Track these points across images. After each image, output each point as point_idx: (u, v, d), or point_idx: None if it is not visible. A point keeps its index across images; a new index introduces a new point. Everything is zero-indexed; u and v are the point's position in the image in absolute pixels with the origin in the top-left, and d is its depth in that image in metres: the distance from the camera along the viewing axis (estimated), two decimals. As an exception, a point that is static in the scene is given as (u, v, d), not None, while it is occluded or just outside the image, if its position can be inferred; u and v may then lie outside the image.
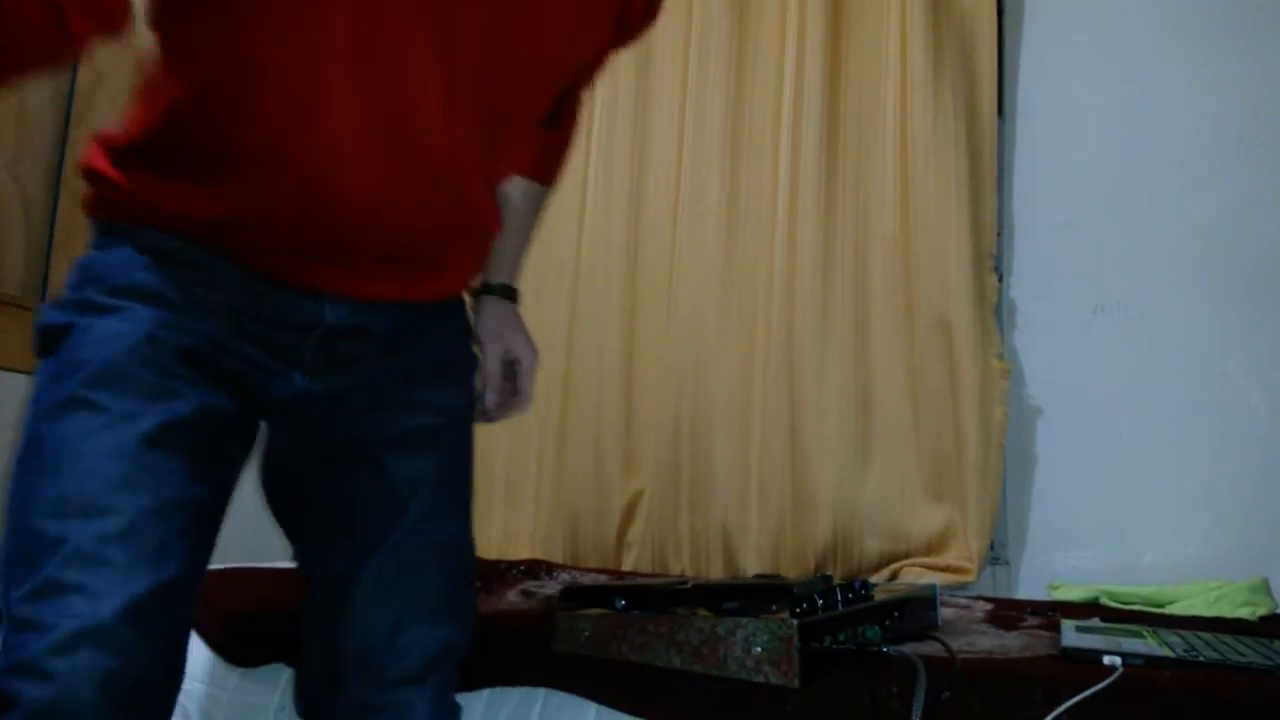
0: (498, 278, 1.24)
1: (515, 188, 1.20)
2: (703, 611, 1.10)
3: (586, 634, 1.17)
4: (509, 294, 1.24)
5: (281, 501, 1.05)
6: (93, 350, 0.83)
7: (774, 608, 1.08)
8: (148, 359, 0.84)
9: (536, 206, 1.26)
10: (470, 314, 1.18)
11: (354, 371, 0.98)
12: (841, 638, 1.06)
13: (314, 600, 1.01)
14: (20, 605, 0.76)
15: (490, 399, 1.20)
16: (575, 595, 1.31)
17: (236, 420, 0.92)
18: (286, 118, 0.83)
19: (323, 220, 0.88)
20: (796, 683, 0.99)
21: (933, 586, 1.34)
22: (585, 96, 1.22)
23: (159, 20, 0.85)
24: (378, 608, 0.95)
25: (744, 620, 1.04)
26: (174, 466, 0.83)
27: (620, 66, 2.33)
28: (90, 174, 0.89)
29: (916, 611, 1.24)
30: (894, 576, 1.91)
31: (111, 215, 0.89)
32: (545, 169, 1.23)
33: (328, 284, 0.94)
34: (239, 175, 0.86)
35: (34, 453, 0.81)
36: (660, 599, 1.17)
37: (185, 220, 0.87)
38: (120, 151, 0.88)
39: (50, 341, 0.85)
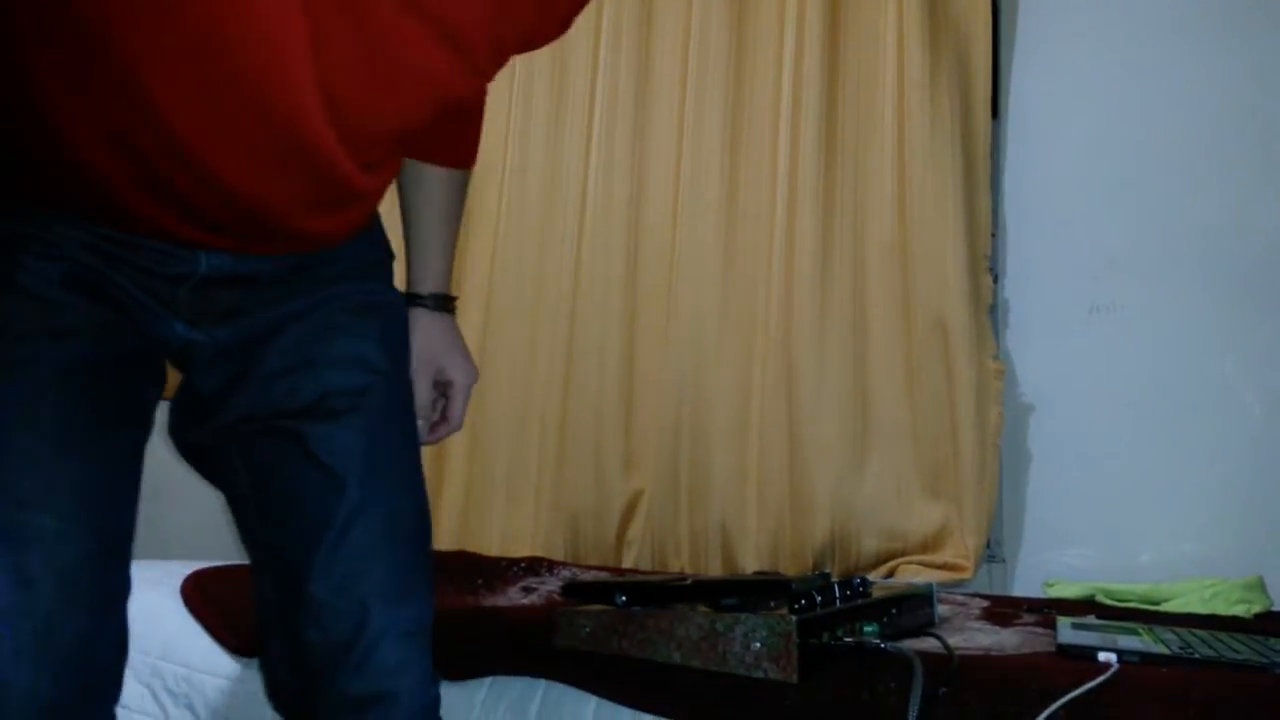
0: (427, 285, 1.10)
1: (430, 175, 1.09)
2: (702, 608, 1.11)
3: (587, 629, 1.17)
4: (441, 304, 1.11)
5: (208, 473, 0.98)
6: None
7: (773, 604, 1.09)
8: (28, 291, 0.77)
9: (454, 194, 1.12)
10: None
11: (241, 322, 0.90)
12: (840, 634, 1.07)
13: (263, 584, 0.94)
14: None
15: (419, 425, 1.08)
16: (576, 591, 1.31)
17: (138, 350, 0.85)
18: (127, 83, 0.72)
19: (195, 205, 0.81)
20: (795, 678, 1.00)
21: (930, 584, 1.35)
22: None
23: None
24: (338, 598, 0.89)
25: (743, 616, 1.04)
26: (85, 412, 0.77)
27: (620, 66, 2.34)
28: None
29: (914, 608, 1.25)
30: (891, 574, 1.92)
31: None
32: (452, 152, 1.11)
33: (204, 242, 0.85)
34: (74, 162, 0.76)
35: None
36: (661, 595, 1.18)
37: (18, 187, 0.79)
38: None
39: None
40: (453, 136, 1.10)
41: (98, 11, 0.70)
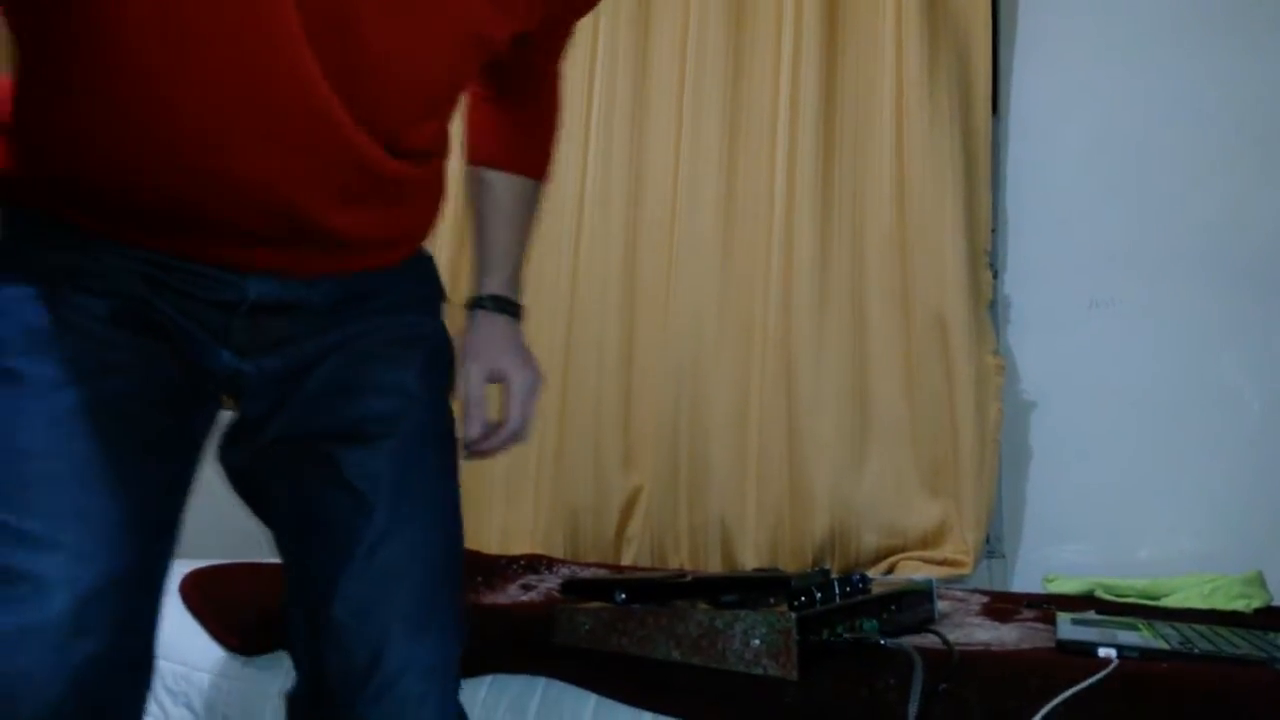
0: (488, 288, 1.09)
1: (497, 181, 1.09)
2: (702, 605, 1.11)
3: (587, 627, 1.17)
4: (502, 306, 1.09)
5: (248, 497, 0.98)
6: (8, 322, 0.77)
7: (772, 601, 1.09)
8: (71, 323, 0.78)
9: (524, 202, 1.12)
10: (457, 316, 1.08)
11: (289, 351, 0.90)
12: (839, 630, 1.07)
13: (294, 607, 0.94)
14: None
15: (472, 428, 1.04)
16: (576, 588, 1.31)
17: (185, 382, 0.85)
18: (150, 98, 0.73)
19: (216, 207, 0.80)
20: (795, 675, 1.00)
21: (929, 580, 1.35)
22: (556, 76, 1.10)
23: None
24: (359, 621, 0.88)
25: (743, 613, 1.04)
26: (124, 443, 0.77)
27: (618, 63, 2.34)
28: None
29: (913, 604, 1.25)
30: (891, 570, 1.92)
31: (7, 199, 0.83)
32: (520, 158, 1.10)
33: (248, 262, 0.85)
34: (124, 180, 0.78)
35: None
36: (660, 592, 1.18)
37: (74, 217, 0.81)
38: (8, 134, 0.80)
39: None
40: (520, 141, 1.10)
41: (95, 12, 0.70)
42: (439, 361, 1.01)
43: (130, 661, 0.78)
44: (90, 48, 0.72)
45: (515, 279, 1.12)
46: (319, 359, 0.92)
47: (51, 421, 0.75)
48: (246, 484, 0.97)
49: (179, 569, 1.61)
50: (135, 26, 0.71)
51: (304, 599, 0.92)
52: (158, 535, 0.81)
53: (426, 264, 1.04)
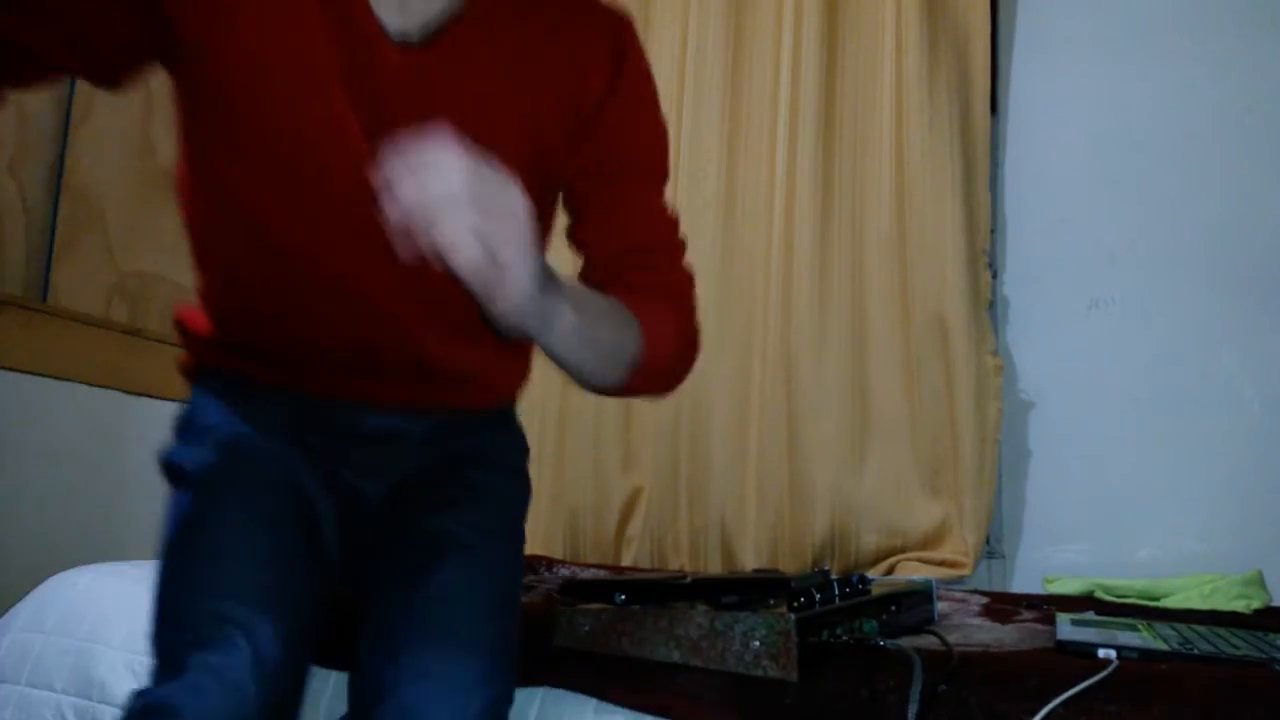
0: None
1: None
2: (702, 606, 1.11)
3: (586, 628, 1.17)
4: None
5: (354, 589, 1.09)
6: (200, 458, 0.99)
7: (772, 602, 1.09)
8: (244, 453, 1.00)
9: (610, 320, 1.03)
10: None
11: (392, 472, 1.08)
12: (839, 631, 1.06)
13: (363, 642, 1.00)
14: (164, 656, 0.86)
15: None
16: (575, 590, 1.31)
17: (324, 501, 1.03)
18: (322, 274, 0.96)
19: (352, 349, 1.02)
20: (795, 676, 1.00)
21: (929, 581, 1.35)
22: (671, 269, 1.10)
23: (188, 210, 0.99)
24: (414, 646, 0.96)
25: (742, 614, 1.04)
26: (284, 541, 0.96)
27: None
28: (180, 329, 1.09)
29: (913, 605, 1.25)
30: (891, 571, 1.92)
31: (194, 367, 1.08)
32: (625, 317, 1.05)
33: (369, 398, 1.06)
34: (280, 328, 1.02)
35: (170, 541, 0.96)
36: (659, 594, 1.18)
37: (247, 369, 1.05)
38: (196, 313, 1.06)
39: (171, 476, 1.01)
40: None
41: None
42: (520, 486, 1.17)
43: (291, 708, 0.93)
44: (231, 237, 0.97)
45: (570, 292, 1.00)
46: (415, 474, 1.09)
47: (239, 528, 0.95)
48: (351, 570, 1.10)
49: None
50: (275, 219, 0.94)
51: (374, 634, 1.00)
52: (308, 610, 0.97)
53: (515, 420, 1.21)
